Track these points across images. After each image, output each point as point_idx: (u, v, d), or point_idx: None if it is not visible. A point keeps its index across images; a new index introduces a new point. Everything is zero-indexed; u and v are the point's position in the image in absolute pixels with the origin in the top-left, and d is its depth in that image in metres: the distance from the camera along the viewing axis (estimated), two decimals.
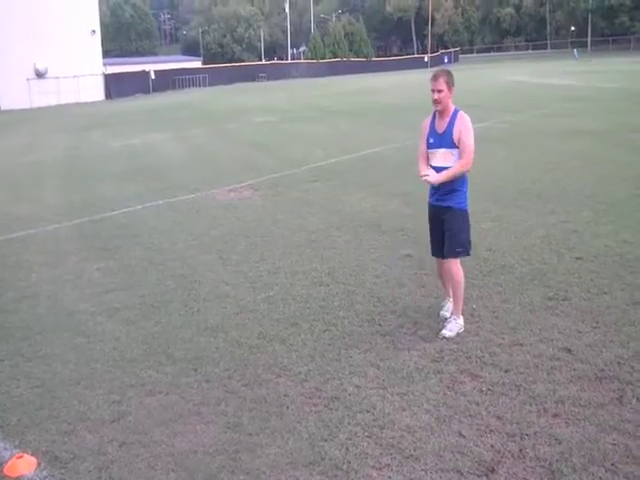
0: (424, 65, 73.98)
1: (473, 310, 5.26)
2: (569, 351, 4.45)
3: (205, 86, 54.75)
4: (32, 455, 3.61)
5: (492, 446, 3.42)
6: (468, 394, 3.97)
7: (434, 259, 5.28)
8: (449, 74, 4.72)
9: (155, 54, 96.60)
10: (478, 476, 3.16)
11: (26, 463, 3.53)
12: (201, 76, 56.29)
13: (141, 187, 11.56)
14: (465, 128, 4.71)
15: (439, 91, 4.65)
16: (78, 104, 42.01)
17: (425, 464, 3.29)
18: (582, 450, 3.35)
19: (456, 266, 4.90)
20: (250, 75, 60.51)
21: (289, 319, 5.34)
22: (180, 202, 10.17)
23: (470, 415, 3.73)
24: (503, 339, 4.71)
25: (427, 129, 4.89)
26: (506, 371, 4.24)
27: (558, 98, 23.10)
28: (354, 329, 5.05)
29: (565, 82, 31.28)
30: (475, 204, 8.71)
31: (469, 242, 4.91)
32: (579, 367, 4.22)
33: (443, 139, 4.76)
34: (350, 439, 3.59)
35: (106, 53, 55.72)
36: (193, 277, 6.52)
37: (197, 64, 67.65)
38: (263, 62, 73.46)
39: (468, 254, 4.96)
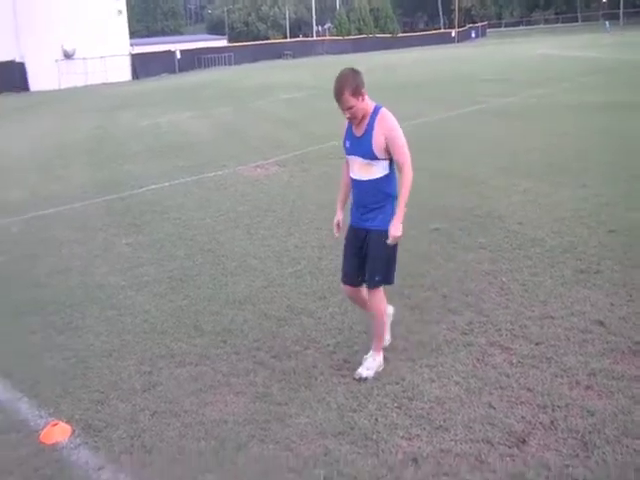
0: (451, 40, 72.73)
1: (503, 283, 5.20)
2: (601, 324, 4.38)
3: (231, 65, 54.57)
4: (66, 423, 3.68)
5: (523, 417, 3.39)
6: (498, 366, 3.94)
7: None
8: (351, 80, 3.71)
9: (181, 34, 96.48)
10: (509, 447, 3.14)
11: (61, 430, 3.60)
12: (226, 55, 56.10)
13: (168, 165, 11.61)
14: (391, 132, 3.75)
15: (349, 109, 3.73)
16: (105, 84, 42.22)
17: (455, 435, 3.28)
18: (615, 422, 3.30)
19: (376, 296, 4.03)
20: (275, 53, 60.13)
21: (317, 293, 5.34)
22: (207, 179, 10.19)
23: (500, 387, 3.70)
24: (533, 312, 4.65)
25: (345, 130, 3.98)
26: (537, 344, 4.19)
27: (588, 71, 22.57)
28: None
29: (595, 55, 30.52)
30: (504, 177, 8.69)
31: (392, 270, 4.01)
32: (612, 340, 4.16)
33: (360, 146, 3.82)
34: (379, 410, 3.59)
35: (133, 33, 55.74)
36: (221, 252, 6.55)
37: (222, 43, 67.41)
38: (288, 40, 72.83)
39: (388, 282, 4.03)
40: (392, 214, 3.83)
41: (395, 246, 3.91)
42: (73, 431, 3.63)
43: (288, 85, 27.20)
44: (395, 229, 3.76)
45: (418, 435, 3.31)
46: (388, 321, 4.29)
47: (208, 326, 4.85)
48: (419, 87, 21.68)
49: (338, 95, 3.71)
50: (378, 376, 3.95)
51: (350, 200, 4.09)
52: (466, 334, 4.41)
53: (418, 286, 5.29)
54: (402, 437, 3.31)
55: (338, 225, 4.14)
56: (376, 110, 3.82)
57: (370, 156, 3.79)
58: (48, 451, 3.47)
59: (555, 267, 5.43)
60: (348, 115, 3.78)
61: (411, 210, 7.29)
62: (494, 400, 3.57)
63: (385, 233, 3.80)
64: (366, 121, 3.80)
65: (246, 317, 4.96)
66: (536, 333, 4.33)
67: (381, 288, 4.03)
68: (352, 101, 3.70)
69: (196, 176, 10.39)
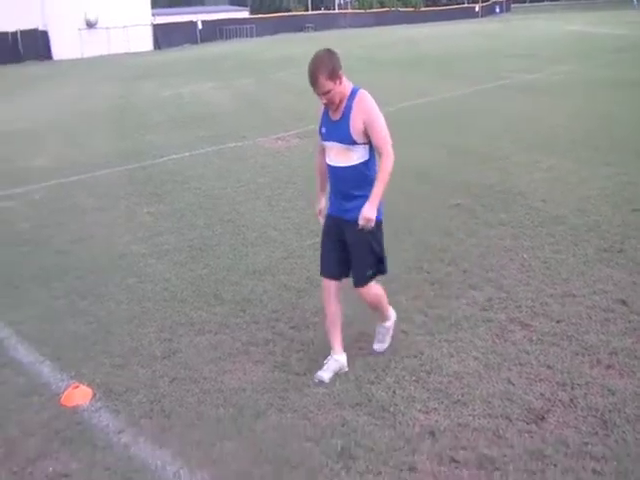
0: (475, 15, 71.36)
1: (524, 260, 5.15)
2: (624, 303, 4.32)
3: (252, 36, 54.14)
4: (87, 386, 3.74)
5: (542, 394, 3.37)
6: (518, 343, 3.91)
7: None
8: (327, 62, 3.43)
9: (202, 4, 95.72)
10: (527, 423, 3.13)
11: (82, 393, 3.66)
12: (248, 27, 55.63)
13: (190, 135, 11.60)
14: (370, 115, 3.47)
15: (325, 93, 3.44)
16: (127, 54, 42.15)
17: (473, 409, 3.27)
18: (636, 401, 3.27)
19: (369, 292, 3.77)
20: (297, 25, 59.48)
21: None
22: (228, 149, 10.18)
23: (520, 363, 3.68)
24: (555, 289, 4.60)
25: (321, 115, 3.69)
26: (558, 321, 4.15)
27: (616, 49, 22.05)
28: (401, 275, 5.01)
29: (623, 32, 29.78)
30: (527, 154, 8.57)
31: (382, 258, 3.74)
32: (634, 319, 4.10)
33: (337, 130, 3.53)
34: (397, 382, 3.59)
35: (155, 3, 55.37)
36: (241, 222, 6.55)
37: (244, 14, 66.70)
38: (310, 12, 71.88)
39: (382, 272, 3.79)
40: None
41: (378, 239, 3.64)
42: (94, 394, 3.68)
43: (308, 57, 26.92)
44: (367, 210, 3.45)
45: (435, 409, 3.31)
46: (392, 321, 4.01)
47: (228, 295, 4.87)
48: (441, 62, 21.37)
49: (313, 79, 3.40)
50: (396, 349, 3.95)
51: (329, 188, 3.80)
52: (486, 310, 4.38)
53: (438, 261, 5.26)
54: (419, 410, 3.32)
55: (321, 212, 3.88)
56: (354, 92, 3.52)
57: (348, 141, 3.50)
58: (69, 414, 3.53)
59: (578, 245, 5.36)
60: (325, 100, 3.48)
61: (432, 185, 7.39)
62: (513, 376, 3.55)
63: (375, 222, 3.53)
64: (343, 104, 3.51)
65: (265, 288, 4.97)
66: (557, 311, 4.29)
67: (371, 281, 3.75)
68: (328, 85, 3.40)
69: (217, 147, 10.38)
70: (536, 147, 8.64)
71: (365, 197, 3.49)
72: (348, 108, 3.49)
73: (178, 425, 3.38)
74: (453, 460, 2.90)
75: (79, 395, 3.63)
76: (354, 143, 3.49)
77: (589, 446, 2.94)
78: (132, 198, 7.69)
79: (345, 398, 3.48)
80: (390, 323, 3.97)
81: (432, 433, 3.10)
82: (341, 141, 3.53)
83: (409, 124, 11.18)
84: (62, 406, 3.59)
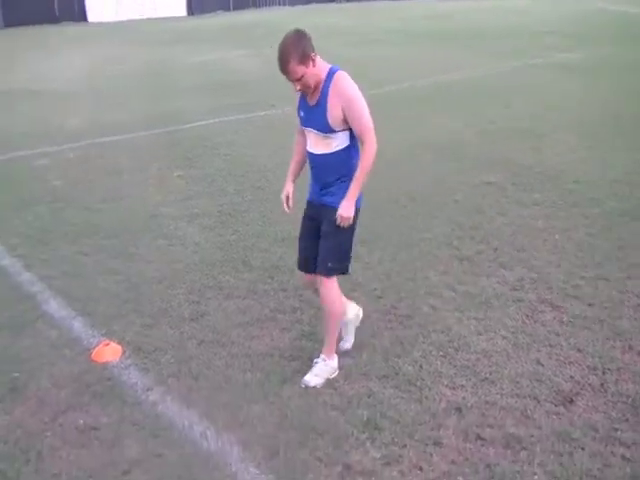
0: None
1: (556, 241, 5.08)
2: None
3: (284, 5, 53.42)
4: (117, 344, 3.79)
5: (571, 377, 3.34)
6: (548, 324, 3.87)
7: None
8: (296, 45, 3.10)
9: None
10: (555, 405, 3.11)
11: (112, 351, 3.71)
12: None
13: (219, 102, 11.54)
14: (348, 100, 3.15)
15: (298, 79, 3.14)
16: (161, 19, 41.85)
17: (501, 388, 3.26)
18: None
19: (328, 288, 3.36)
20: None
21: (365, 237, 5.26)
22: (258, 117, 10.11)
23: (549, 345, 3.64)
24: (587, 272, 4.53)
25: (298, 98, 3.41)
26: (589, 305, 4.09)
27: None
28: (431, 251, 4.98)
29: None
30: (563, 134, 8.39)
31: (347, 257, 3.42)
32: None
33: (314, 117, 3.25)
34: (424, 357, 3.58)
35: None
36: (271, 190, 6.51)
37: None
38: None
39: (342, 271, 3.44)
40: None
41: (351, 230, 3.35)
42: (123, 352, 3.74)
43: (342, 29, 26.57)
44: (344, 209, 3.20)
45: (463, 385, 3.30)
46: (351, 326, 3.71)
47: (256, 262, 4.88)
48: (475, 37, 20.87)
49: (283, 65, 3.10)
50: (424, 324, 3.93)
51: (308, 174, 3.51)
52: (516, 289, 4.33)
53: (469, 238, 5.21)
54: (446, 386, 3.31)
55: (287, 198, 3.55)
56: (330, 74, 3.20)
57: (326, 129, 3.21)
58: (99, 369, 3.58)
59: (612, 229, 5.26)
60: (299, 87, 3.18)
61: (464, 162, 7.29)
62: (542, 357, 3.52)
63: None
64: (319, 89, 3.20)
65: (294, 256, 4.93)
66: (589, 294, 4.23)
67: (335, 281, 3.40)
68: (300, 70, 3.09)
69: (246, 114, 10.32)
70: (572, 127, 8.45)
71: (345, 183, 3.26)
72: (324, 94, 3.18)
73: (205, 387, 3.41)
74: (479, 437, 2.90)
75: (109, 352, 3.69)
76: (332, 131, 3.21)
77: (619, 432, 2.91)
78: (163, 161, 7.70)
79: (372, 370, 3.49)
80: (333, 364, 3.47)
81: (459, 409, 3.10)
82: (319, 129, 3.24)
83: (443, 98, 11.02)
84: (92, 361, 3.64)
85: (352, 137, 3.28)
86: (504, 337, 3.75)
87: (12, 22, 28.51)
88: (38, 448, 2.97)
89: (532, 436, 2.88)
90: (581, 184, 6.35)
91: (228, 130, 9.30)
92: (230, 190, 6.56)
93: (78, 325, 4.05)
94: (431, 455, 2.81)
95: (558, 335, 3.74)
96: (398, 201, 6.09)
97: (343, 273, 3.46)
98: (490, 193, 6.25)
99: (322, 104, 3.19)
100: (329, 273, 3.35)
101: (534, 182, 6.47)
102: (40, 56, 19.01)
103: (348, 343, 3.71)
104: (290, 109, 10.54)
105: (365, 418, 3.07)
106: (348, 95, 3.17)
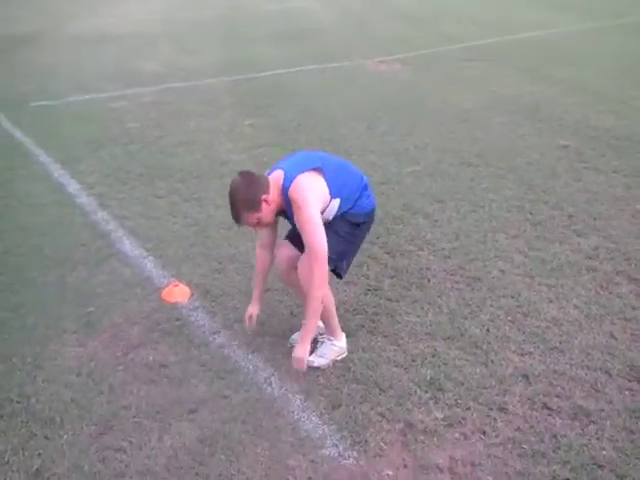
0: None
1: (636, 211, 4.84)
2: None
3: None
4: (186, 285, 3.87)
5: None
6: (624, 296, 3.72)
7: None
8: (243, 194, 2.82)
9: None
10: (629, 380, 3.00)
11: (181, 292, 3.80)
12: None
13: (294, 51, 11.45)
14: (299, 217, 2.83)
15: (256, 224, 2.95)
16: None
17: (571, 358, 3.17)
18: None
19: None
20: None
21: (434, 195, 5.21)
22: (331, 68, 9.99)
23: (624, 318, 3.51)
24: None
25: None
26: None
27: None
28: (502, 214, 4.84)
29: None
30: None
31: (344, 258, 3.14)
32: None
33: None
34: (492, 321, 3.52)
35: None
36: (340, 143, 6.47)
37: None
38: None
39: (336, 270, 3.12)
40: (366, 202, 3.13)
41: (358, 242, 3.21)
42: (192, 294, 3.82)
43: None
44: (297, 359, 2.89)
45: (531, 352, 3.23)
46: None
47: None
48: None
49: (235, 219, 2.91)
50: (492, 287, 3.85)
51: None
52: (591, 258, 4.17)
53: (542, 202, 5.03)
54: (513, 352, 3.24)
55: (251, 319, 3.29)
56: (285, 193, 2.85)
57: None
58: (169, 309, 3.69)
59: None
60: (258, 229, 3.03)
61: (541, 123, 7.01)
62: (616, 330, 3.40)
63: (348, 216, 3.07)
64: (285, 207, 2.92)
65: None
66: None
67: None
68: (254, 217, 2.87)
69: (320, 65, 10.20)
70: None
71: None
72: (290, 212, 2.90)
73: (270, 333, 3.46)
74: (546, 407, 2.84)
75: (179, 293, 3.78)
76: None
77: None
78: (235, 108, 7.73)
79: (437, 330, 3.45)
80: (340, 344, 3.27)
81: (526, 376, 3.04)
82: None
83: (523, 57, 10.59)
84: (163, 301, 3.75)
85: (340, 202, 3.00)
86: (576, 306, 3.63)
87: None
88: (110, 381, 3.10)
89: (602, 410, 2.79)
90: None
91: (302, 80, 9.24)
92: (301, 140, 6.53)
93: (149, 265, 4.17)
94: (495, 420, 2.77)
95: (634, 309, 3.59)
96: (470, 161, 5.94)
97: (336, 272, 3.16)
98: (565, 157, 6.00)
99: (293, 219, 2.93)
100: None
101: (613, 148, 6.16)
102: (120, 1, 19.21)
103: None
104: (366, 62, 10.39)
105: (429, 377, 3.05)
106: (300, 219, 2.84)
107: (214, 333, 3.47)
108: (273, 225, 3.16)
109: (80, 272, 4.08)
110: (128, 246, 4.40)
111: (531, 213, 4.86)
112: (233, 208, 2.88)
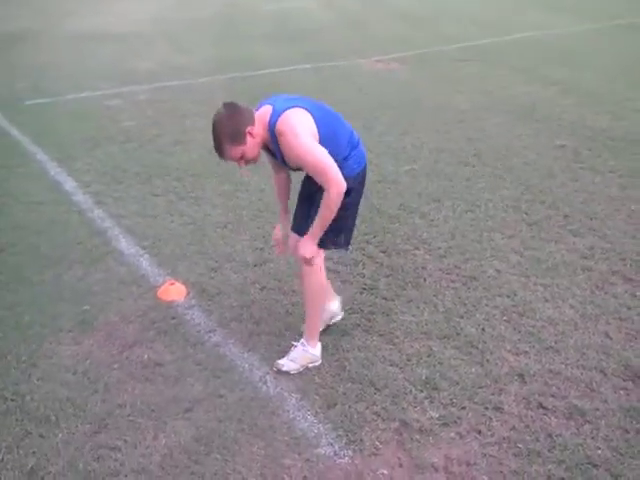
0: None
1: (632, 212, 4.86)
2: None
3: None
4: (182, 284, 3.87)
5: None
6: (619, 296, 3.73)
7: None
8: (225, 126, 2.71)
9: None
10: (623, 380, 3.01)
11: (177, 290, 3.80)
12: None
13: (289, 50, 11.44)
14: (294, 153, 2.72)
15: (240, 159, 2.81)
16: None
17: (566, 358, 3.17)
18: None
19: (315, 267, 2.99)
20: None
21: (431, 195, 5.21)
22: (327, 67, 9.98)
23: (619, 318, 3.52)
24: None
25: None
26: None
27: None
28: (498, 213, 4.85)
29: None
30: (638, 100, 7.97)
31: (342, 233, 3.06)
32: None
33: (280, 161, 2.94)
34: (487, 320, 3.52)
35: None
36: None
37: None
38: None
39: (336, 245, 3.08)
40: (355, 163, 2.96)
41: (353, 210, 3.07)
42: (188, 293, 3.82)
43: None
44: (304, 247, 2.91)
45: (526, 352, 3.24)
46: (327, 314, 3.40)
47: None
48: None
49: (218, 152, 2.79)
50: (488, 286, 3.85)
51: None
52: (586, 258, 4.19)
53: (538, 202, 5.04)
54: (509, 351, 3.25)
55: (278, 243, 3.26)
56: (272, 128, 2.74)
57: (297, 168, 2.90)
58: (165, 307, 3.68)
59: None
60: (243, 164, 2.85)
61: (537, 123, 7.01)
62: (611, 330, 3.41)
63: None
64: (270, 145, 2.83)
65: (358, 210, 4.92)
66: None
67: (320, 261, 3.02)
68: (238, 150, 2.75)
69: (316, 64, 10.20)
70: None
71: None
72: (276, 147, 2.79)
73: (266, 332, 3.46)
74: (541, 406, 2.84)
75: (175, 291, 3.77)
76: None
77: None
78: None
79: (433, 329, 3.45)
80: (314, 352, 3.17)
81: (521, 376, 3.04)
82: (292, 169, 2.98)
83: (519, 57, 10.62)
84: (158, 299, 3.74)
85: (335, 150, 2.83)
86: (572, 306, 3.64)
87: None
88: (105, 380, 3.09)
89: (597, 410, 2.80)
90: None
91: (297, 79, 9.23)
92: None
93: (145, 263, 4.16)
94: (491, 419, 2.78)
95: (629, 308, 3.60)
96: (466, 161, 5.95)
97: (337, 247, 3.11)
98: (562, 157, 6.02)
99: (280, 156, 2.85)
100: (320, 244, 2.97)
101: (610, 148, 6.19)
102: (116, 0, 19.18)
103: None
104: (362, 61, 10.39)
105: (424, 377, 3.05)
106: (292, 147, 2.71)
107: (210, 332, 3.46)
108: (285, 175, 3.20)
109: (76, 270, 4.08)
110: (124, 244, 4.39)
111: (527, 213, 4.87)
112: (216, 140, 2.75)
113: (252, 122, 2.75)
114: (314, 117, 2.80)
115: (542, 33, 12.80)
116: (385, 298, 3.76)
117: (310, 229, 2.90)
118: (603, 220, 4.72)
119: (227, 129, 2.71)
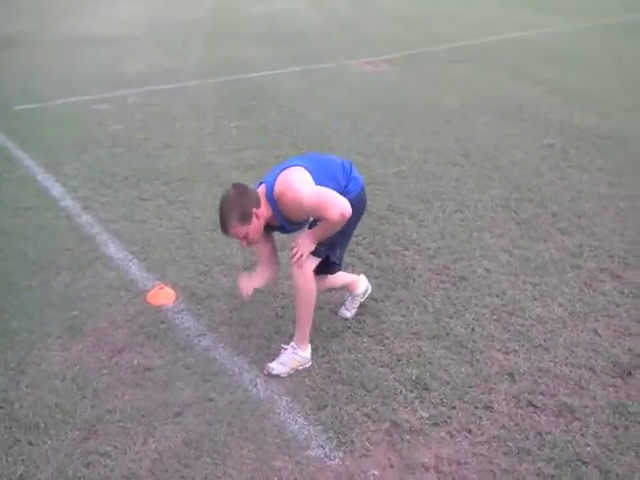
0: None
1: (619, 209, 4.89)
2: None
3: None
4: (171, 288, 3.86)
5: (630, 350, 3.24)
6: (607, 294, 3.75)
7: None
8: (234, 205, 2.84)
9: None
10: (612, 377, 3.02)
11: (166, 295, 3.78)
12: None
13: (279, 53, 11.43)
14: (296, 200, 2.80)
15: (242, 238, 2.92)
16: None
17: (555, 356, 3.19)
18: None
19: (306, 270, 3.03)
20: None
21: (420, 195, 5.22)
22: (316, 70, 9.99)
23: (608, 315, 3.54)
24: None
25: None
26: None
27: None
28: (487, 213, 4.87)
29: None
30: (633, 99, 7.98)
31: (335, 250, 3.18)
32: None
33: (294, 227, 3.14)
34: (477, 320, 3.53)
35: None
36: (326, 143, 6.47)
37: None
38: None
39: (332, 257, 3.19)
40: (353, 186, 3.07)
41: (351, 228, 3.14)
42: (177, 297, 3.80)
43: None
44: (302, 241, 2.96)
45: (516, 351, 3.25)
46: (357, 300, 3.62)
47: None
48: None
49: (224, 229, 2.91)
50: (477, 286, 3.86)
51: None
52: (575, 256, 4.21)
53: (527, 201, 5.07)
54: (498, 350, 3.26)
55: (245, 292, 3.24)
56: (270, 196, 2.89)
57: (297, 228, 3.14)
58: (154, 312, 3.66)
59: None
60: (244, 243, 2.96)
61: (525, 122, 7.04)
62: (600, 327, 3.42)
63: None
64: (273, 218, 2.98)
65: None
66: None
67: (310, 266, 3.05)
68: (243, 230, 2.87)
69: (305, 66, 10.19)
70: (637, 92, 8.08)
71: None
72: (279, 216, 2.94)
73: (256, 335, 3.45)
74: (531, 404, 2.85)
75: (164, 296, 3.76)
76: (306, 222, 3.11)
77: None
78: (220, 110, 7.71)
79: (422, 329, 3.46)
80: (303, 354, 3.20)
81: (511, 374, 3.05)
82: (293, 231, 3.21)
83: (508, 57, 10.66)
84: (148, 304, 3.72)
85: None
86: (560, 304, 3.66)
87: None
88: (94, 385, 3.07)
89: (586, 407, 2.81)
90: None
91: (286, 82, 9.23)
92: (285, 142, 6.52)
93: (134, 268, 4.14)
94: (481, 418, 2.78)
95: (618, 306, 3.62)
96: (455, 161, 5.97)
97: (334, 259, 3.22)
98: (550, 156, 6.06)
99: (286, 222, 3.01)
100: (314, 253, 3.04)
101: (597, 147, 6.23)
102: (102, 2, 19.11)
103: (349, 313, 3.60)
104: (351, 62, 10.39)
105: (414, 377, 3.06)
106: (298, 202, 2.80)
107: (199, 336, 3.45)
108: (271, 245, 3.27)
109: (64, 276, 4.05)
110: (113, 249, 4.38)
111: (516, 212, 4.89)
112: (223, 219, 2.88)
113: (258, 204, 2.89)
114: (307, 169, 2.93)
115: (534, 33, 12.85)
116: (375, 299, 3.76)
117: (313, 229, 2.98)
118: (591, 218, 4.75)
119: (236, 209, 2.84)
